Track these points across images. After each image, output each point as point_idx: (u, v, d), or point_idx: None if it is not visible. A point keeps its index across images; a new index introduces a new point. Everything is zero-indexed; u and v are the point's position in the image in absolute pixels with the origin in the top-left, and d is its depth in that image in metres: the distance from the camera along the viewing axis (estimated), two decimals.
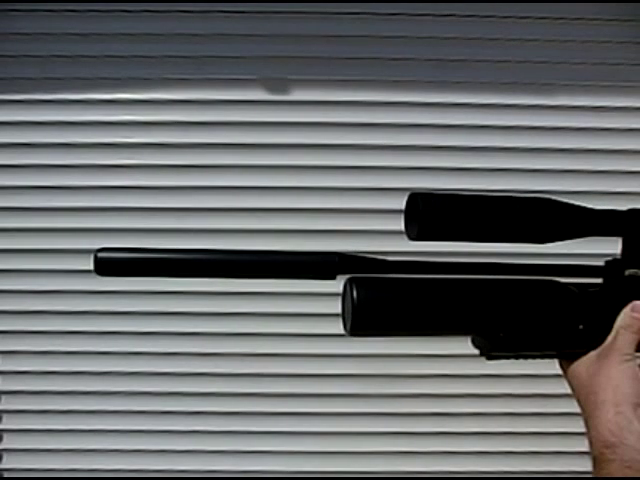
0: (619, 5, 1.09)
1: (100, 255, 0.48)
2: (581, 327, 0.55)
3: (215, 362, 1.16)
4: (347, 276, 0.51)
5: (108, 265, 0.48)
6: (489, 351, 0.55)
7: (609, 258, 0.56)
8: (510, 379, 1.15)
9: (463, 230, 0.51)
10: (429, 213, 0.49)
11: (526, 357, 0.57)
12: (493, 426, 1.18)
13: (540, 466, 1.19)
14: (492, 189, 1.08)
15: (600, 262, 0.56)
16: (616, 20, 1.10)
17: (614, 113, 1.12)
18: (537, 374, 1.12)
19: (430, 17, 1.09)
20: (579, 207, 0.52)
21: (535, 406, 1.17)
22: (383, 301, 0.50)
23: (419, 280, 0.52)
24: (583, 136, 1.12)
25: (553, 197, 0.52)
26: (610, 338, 0.54)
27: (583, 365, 0.56)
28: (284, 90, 1.10)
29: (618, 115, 1.12)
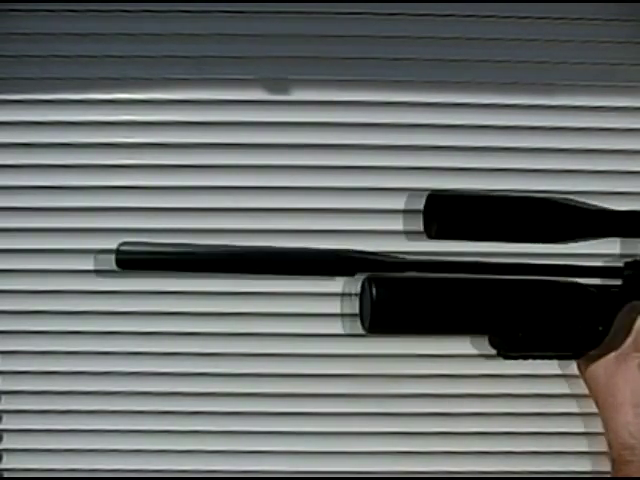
0: (619, 5, 1.09)
1: (122, 249, 0.48)
2: (600, 328, 0.55)
3: (215, 362, 1.16)
4: (363, 275, 0.51)
5: (130, 259, 0.48)
6: (507, 351, 0.56)
7: (629, 259, 0.56)
8: (510, 379, 1.15)
9: (482, 229, 0.51)
10: (449, 212, 0.50)
11: (543, 358, 0.57)
12: (493, 426, 1.18)
13: (540, 466, 1.19)
14: (492, 189, 1.08)
15: (620, 263, 0.56)
16: (616, 20, 1.09)
17: (614, 113, 1.12)
18: (537, 374, 1.12)
19: (430, 17, 1.09)
20: (600, 208, 0.53)
21: (535, 406, 1.16)
22: (402, 300, 0.50)
23: (437, 279, 0.53)
24: (583, 136, 1.12)
25: (572, 197, 0.52)
26: (629, 340, 0.54)
27: (601, 366, 0.56)
28: (284, 90, 1.10)
29: (618, 115, 1.12)
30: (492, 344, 0.55)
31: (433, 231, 0.49)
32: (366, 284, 0.49)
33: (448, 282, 0.51)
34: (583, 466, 1.14)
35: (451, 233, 0.49)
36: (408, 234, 1.06)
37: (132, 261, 0.47)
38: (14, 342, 1.16)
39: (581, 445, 1.13)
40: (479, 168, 1.12)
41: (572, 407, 1.03)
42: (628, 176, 1.13)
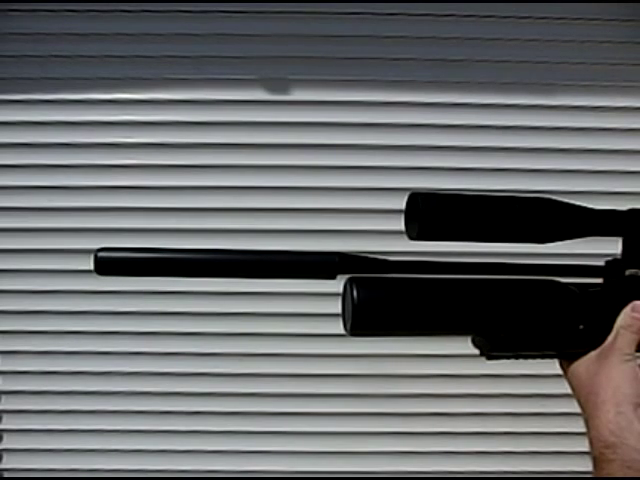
0: (619, 5, 1.09)
1: (100, 255, 0.48)
2: (581, 327, 0.55)
3: (215, 362, 1.16)
4: (347, 276, 0.51)
5: (108, 265, 0.48)
6: (489, 351, 0.55)
7: (609, 258, 0.56)
8: (510, 379, 1.15)
9: (463, 230, 0.51)
10: (429, 213, 0.49)
11: (526, 357, 0.57)
12: (493, 426, 1.18)
13: (540, 466, 1.19)
14: (492, 189, 1.08)
15: (600, 262, 0.56)
16: (616, 20, 1.10)
17: (614, 113, 1.12)
18: (537, 374, 1.12)
19: (430, 17, 1.09)
20: (579, 207, 0.52)
21: (535, 406, 1.17)
22: (383, 301, 0.50)
23: (419, 280, 0.52)
24: (583, 136, 1.12)
25: (553, 197, 0.52)
26: (610, 338, 0.54)
27: (583, 365, 0.56)
28: (284, 90, 1.10)
29: (618, 115, 1.12)
30: (475, 344, 0.55)
31: (414, 232, 0.49)
32: (347, 285, 0.49)
33: (429, 283, 0.51)
34: (583, 466, 1.14)
35: (432, 234, 0.48)
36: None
37: (111, 267, 0.46)
38: (14, 342, 1.16)
39: (581, 445, 1.13)
40: (479, 168, 1.12)
41: (572, 407, 1.03)
42: (628, 176, 1.13)
